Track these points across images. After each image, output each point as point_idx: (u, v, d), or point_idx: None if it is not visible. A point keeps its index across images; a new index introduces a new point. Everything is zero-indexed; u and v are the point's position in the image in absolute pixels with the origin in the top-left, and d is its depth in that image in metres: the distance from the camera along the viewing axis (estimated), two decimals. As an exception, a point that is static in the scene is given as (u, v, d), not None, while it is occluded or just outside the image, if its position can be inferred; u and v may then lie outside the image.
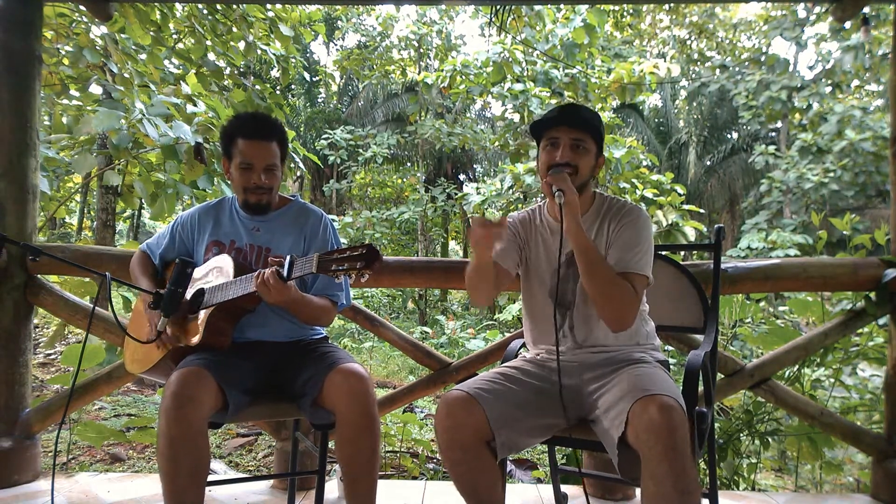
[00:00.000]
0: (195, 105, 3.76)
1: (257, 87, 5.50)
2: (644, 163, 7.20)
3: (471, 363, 2.41)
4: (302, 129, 17.10)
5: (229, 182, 1.97)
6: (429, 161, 16.34)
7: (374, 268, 1.40)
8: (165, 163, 3.42)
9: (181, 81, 4.43)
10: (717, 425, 2.60)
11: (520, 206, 8.11)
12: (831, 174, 12.71)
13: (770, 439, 2.71)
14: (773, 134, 16.58)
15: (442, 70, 8.66)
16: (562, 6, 7.48)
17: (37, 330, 6.59)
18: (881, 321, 2.42)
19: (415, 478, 3.25)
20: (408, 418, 3.46)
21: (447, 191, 15.14)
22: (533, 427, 1.51)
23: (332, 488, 2.28)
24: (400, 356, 8.15)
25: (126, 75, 4.09)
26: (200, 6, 4.61)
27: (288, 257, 1.54)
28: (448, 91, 8.91)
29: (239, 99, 4.91)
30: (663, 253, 1.99)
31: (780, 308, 6.04)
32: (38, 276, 2.38)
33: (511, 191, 7.59)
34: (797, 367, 2.65)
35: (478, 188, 8.67)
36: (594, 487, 2.24)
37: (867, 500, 2.29)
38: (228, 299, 1.62)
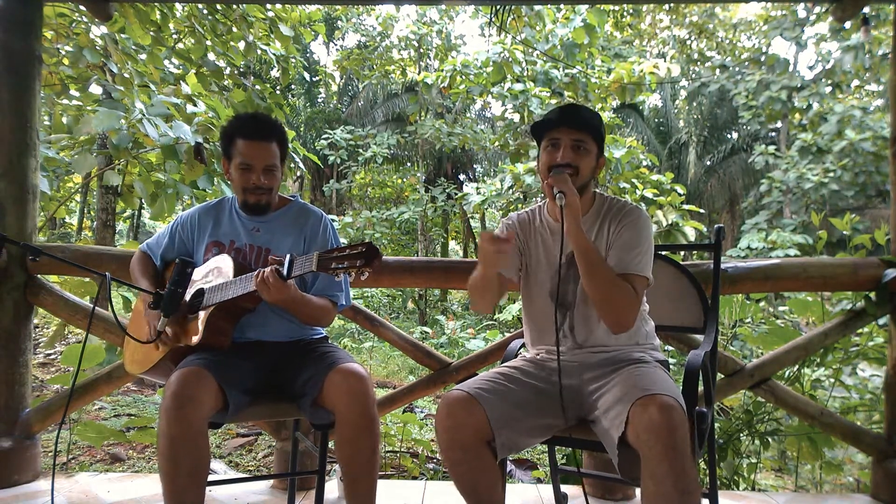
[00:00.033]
0: (195, 105, 3.76)
1: (257, 87, 5.50)
2: (644, 163, 7.20)
3: (471, 363, 2.41)
4: (302, 129, 17.11)
5: (229, 182, 1.97)
6: (429, 161, 16.35)
7: (374, 266, 1.40)
8: (165, 163, 3.42)
9: (181, 81, 4.43)
10: (717, 425, 2.60)
11: (520, 206, 8.11)
12: (831, 174, 12.71)
13: (770, 439, 2.71)
14: (773, 134, 16.58)
15: (442, 70, 8.66)
16: (562, 6, 7.48)
17: (37, 330, 6.59)
18: (881, 321, 2.42)
19: (415, 478, 3.25)
20: (408, 418, 3.46)
21: (447, 191, 15.14)
22: (533, 427, 1.51)
23: (332, 488, 2.28)
24: (400, 356, 8.15)
25: (126, 75, 4.09)
26: (200, 6, 4.61)
27: (288, 256, 1.54)
28: (448, 91, 8.91)
29: (239, 99, 4.91)
30: (663, 253, 1.99)
31: (780, 308, 6.04)
32: (38, 276, 2.38)
33: (511, 191, 7.59)
34: (797, 367, 2.65)
35: (478, 188, 8.68)
36: (594, 487, 2.25)
37: (867, 500, 2.29)
38: (228, 299, 1.62)
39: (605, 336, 1.62)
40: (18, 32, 2.32)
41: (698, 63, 18.29)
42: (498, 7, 5.64)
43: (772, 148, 14.17)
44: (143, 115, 3.12)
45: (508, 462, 2.76)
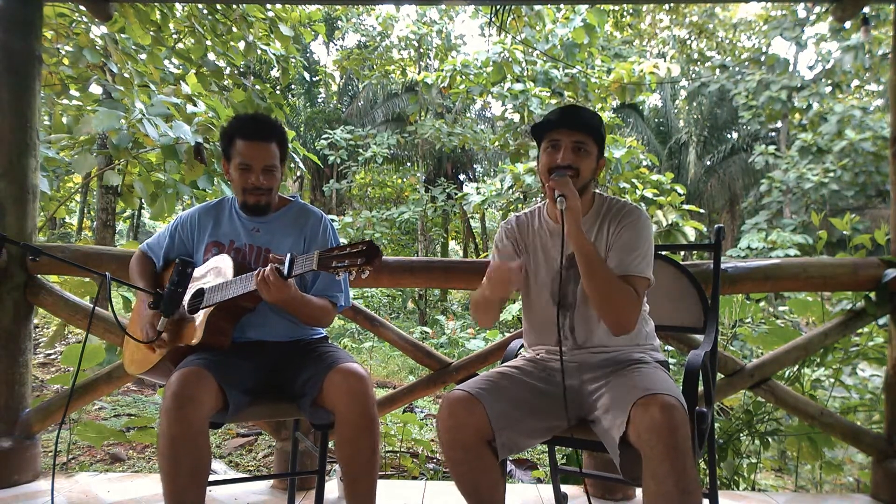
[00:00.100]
0: (195, 105, 3.76)
1: (257, 87, 5.50)
2: (644, 163, 7.20)
3: (471, 363, 2.41)
4: (302, 129, 17.11)
5: (229, 182, 1.97)
6: (429, 161, 16.35)
7: (375, 264, 1.40)
8: (165, 163, 3.42)
9: (181, 81, 4.43)
10: (717, 425, 2.60)
11: (520, 206, 8.12)
12: (831, 174, 12.72)
13: (770, 439, 2.71)
14: (773, 134, 16.58)
15: (442, 70, 8.66)
16: (562, 6, 7.48)
17: (37, 330, 6.59)
18: (881, 321, 2.42)
19: (415, 478, 3.25)
20: (408, 418, 3.46)
21: (447, 191, 15.14)
22: (534, 428, 1.51)
23: (332, 488, 2.28)
24: (400, 356, 8.15)
25: (126, 75, 4.09)
26: (200, 6, 4.61)
27: (288, 255, 1.54)
28: (448, 91, 8.91)
29: (239, 99, 4.91)
30: (663, 253, 1.99)
31: (780, 308, 6.04)
32: (38, 276, 2.38)
33: (511, 191, 7.60)
34: (797, 367, 2.65)
35: (478, 188, 8.68)
36: (594, 487, 2.24)
37: (867, 500, 2.29)
38: (228, 298, 1.62)
39: (605, 337, 1.62)
40: (18, 32, 2.32)
41: (698, 63, 18.29)
42: (498, 7, 5.64)
43: (772, 148, 14.18)
44: (143, 115, 3.12)
45: (508, 462, 2.75)
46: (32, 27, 2.36)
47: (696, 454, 1.41)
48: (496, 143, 8.96)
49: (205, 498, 1.49)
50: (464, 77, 8.24)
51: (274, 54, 5.12)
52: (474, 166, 18.16)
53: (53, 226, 14.73)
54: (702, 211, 8.01)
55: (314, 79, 18.06)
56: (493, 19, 6.22)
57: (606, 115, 8.04)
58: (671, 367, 2.04)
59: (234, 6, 4.61)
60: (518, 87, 7.56)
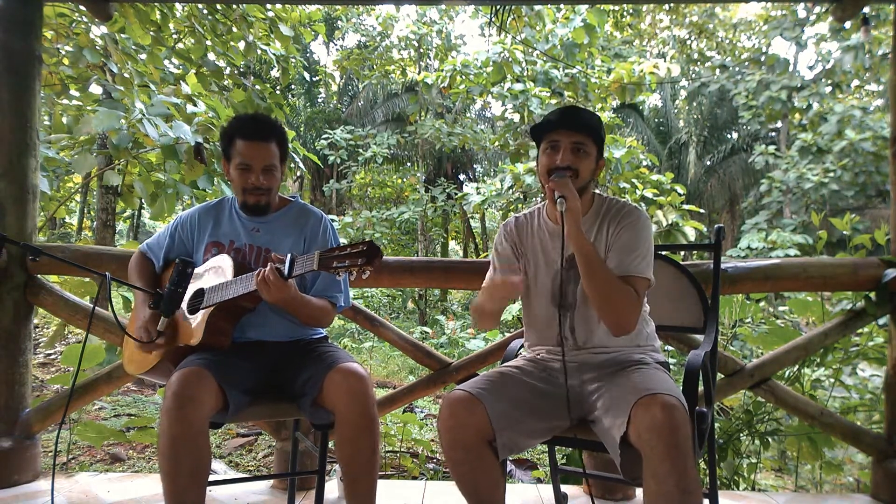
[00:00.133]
0: (195, 105, 3.76)
1: (257, 87, 5.50)
2: (644, 163, 7.20)
3: (471, 363, 2.41)
4: (302, 129, 17.11)
5: (229, 182, 1.97)
6: (429, 161, 16.35)
7: (375, 264, 1.40)
8: (165, 163, 3.42)
9: (181, 81, 4.43)
10: (717, 425, 2.60)
11: (520, 206, 8.12)
12: (831, 174, 12.72)
13: (770, 439, 2.71)
14: (773, 134, 16.58)
15: (442, 70, 8.66)
16: (562, 6, 7.48)
17: (37, 330, 6.59)
18: (881, 321, 2.42)
19: (415, 478, 3.25)
20: (408, 418, 3.46)
21: (447, 191, 15.14)
22: (534, 428, 1.51)
23: (332, 488, 2.28)
24: (400, 356, 8.15)
25: (126, 75, 4.09)
26: (200, 6, 4.61)
27: (289, 255, 1.54)
28: (448, 91, 8.91)
29: (239, 99, 4.91)
30: (663, 253, 1.99)
31: (780, 308, 6.04)
32: (38, 276, 2.38)
33: (511, 191, 7.60)
34: (797, 367, 2.65)
35: (478, 188, 8.68)
36: (594, 487, 2.24)
37: (867, 500, 2.29)
38: (228, 298, 1.62)
39: (605, 337, 1.62)
40: (18, 32, 2.32)
41: (698, 63, 18.29)
42: (498, 7, 5.64)
43: (772, 148, 14.18)
44: (143, 115, 3.12)
45: (508, 462, 2.75)
46: (32, 27, 2.36)
47: (696, 454, 1.41)
48: (496, 143, 8.96)
49: (205, 498, 1.49)
50: (464, 77, 8.24)
51: (274, 54, 5.12)
52: (474, 166, 18.16)
53: (53, 226, 14.74)
54: (702, 211, 8.02)
55: (314, 79, 18.06)
56: (493, 19, 6.22)
57: (606, 116, 8.04)
58: (671, 367, 2.04)
59: (234, 6, 4.61)
60: (518, 87, 7.56)
